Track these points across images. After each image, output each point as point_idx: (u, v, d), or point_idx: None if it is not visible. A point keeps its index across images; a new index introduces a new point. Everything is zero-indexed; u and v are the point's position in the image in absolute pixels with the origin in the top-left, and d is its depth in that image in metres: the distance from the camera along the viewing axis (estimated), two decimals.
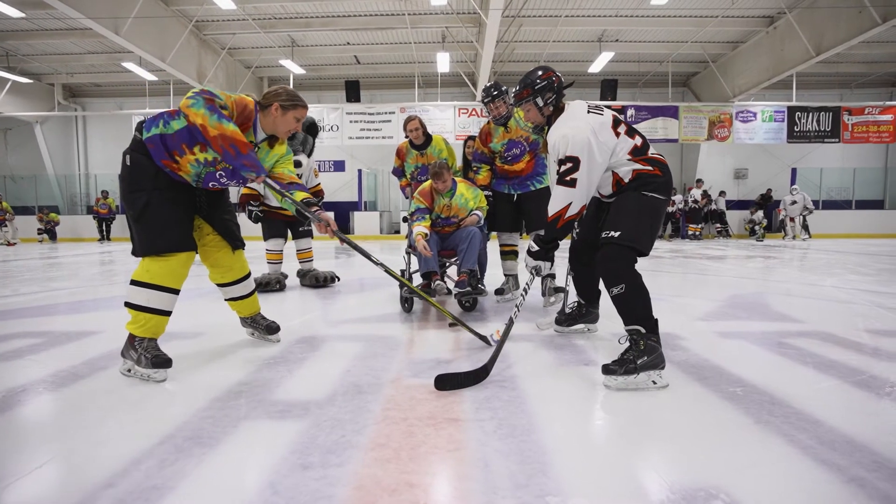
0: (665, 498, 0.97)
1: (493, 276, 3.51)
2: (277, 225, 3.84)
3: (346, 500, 0.97)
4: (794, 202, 11.58)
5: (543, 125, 1.96)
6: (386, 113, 12.19)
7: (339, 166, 13.91)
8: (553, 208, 1.81)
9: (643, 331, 1.64)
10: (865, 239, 11.71)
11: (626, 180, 1.81)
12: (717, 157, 14.40)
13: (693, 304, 3.22)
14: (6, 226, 11.79)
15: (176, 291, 1.79)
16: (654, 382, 1.59)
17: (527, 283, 2.03)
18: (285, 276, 3.91)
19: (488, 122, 3.13)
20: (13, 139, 14.43)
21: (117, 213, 12.63)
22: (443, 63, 11.34)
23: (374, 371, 1.79)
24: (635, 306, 1.67)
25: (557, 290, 2.98)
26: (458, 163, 3.72)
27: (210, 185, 1.85)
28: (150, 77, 12.05)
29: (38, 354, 2.06)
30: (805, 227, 11.75)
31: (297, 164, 3.76)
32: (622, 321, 1.70)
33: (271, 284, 3.74)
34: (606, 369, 1.61)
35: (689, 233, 11.93)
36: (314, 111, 12.24)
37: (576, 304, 2.30)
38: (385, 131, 12.13)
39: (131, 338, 1.73)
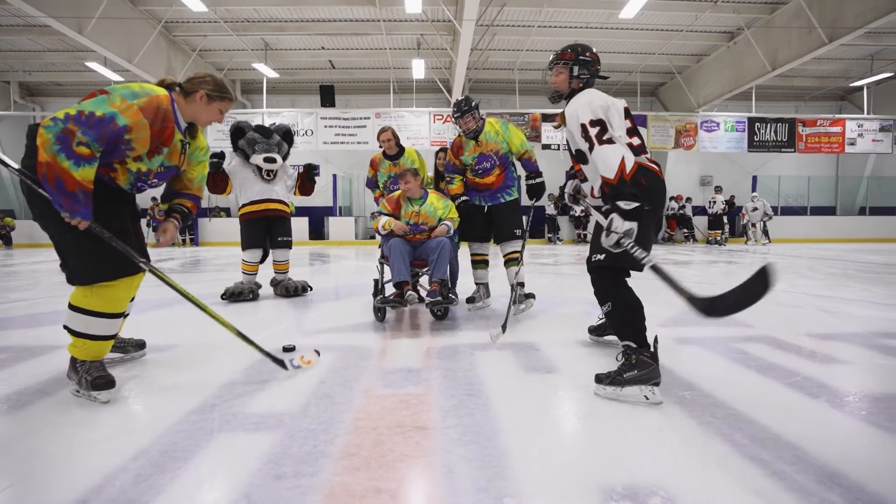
0: (608, 496, 1.07)
1: (465, 283, 3.61)
2: (256, 232, 3.82)
3: None
4: (755, 209, 12.19)
5: (563, 95, 1.92)
6: (361, 118, 12.19)
7: None
8: (610, 170, 1.62)
9: (634, 346, 1.69)
10: (819, 243, 12.40)
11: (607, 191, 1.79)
12: (684, 164, 15.00)
13: (656, 310, 3.32)
14: None
15: (120, 315, 1.71)
16: (647, 398, 1.61)
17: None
18: (259, 286, 3.90)
19: (460, 136, 3.23)
20: None
21: None
22: (418, 69, 11.46)
23: (346, 381, 1.85)
24: (623, 323, 1.73)
25: (528, 296, 3.09)
26: (430, 173, 3.81)
27: (139, 185, 1.73)
28: (115, 77, 11.69)
29: (2, 371, 2.02)
30: (765, 233, 12.37)
31: (272, 161, 3.77)
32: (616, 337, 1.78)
33: (244, 294, 3.73)
34: (597, 378, 1.68)
35: (709, 238, 12.32)
36: (288, 116, 12.15)
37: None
38: (360, 136, 12.13)
39: (72, 360, 1.68)
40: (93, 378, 1.63)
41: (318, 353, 2.06)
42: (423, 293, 3.02)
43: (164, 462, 1.22)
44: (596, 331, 2.44)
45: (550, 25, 10.56)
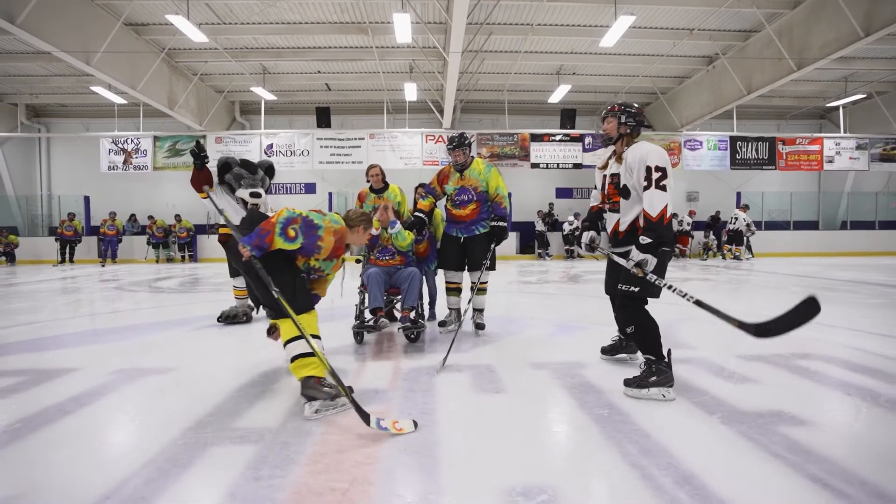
0: (508, 494, 1.39)
1: (444, 304, 3.93)
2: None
3: (284, 500, 1.36)
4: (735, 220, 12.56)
5: (613, 139, 2.39)
6: (356, 139, 12.62)
7: (310, 189, 14.20)
8: (655, 209, 2.16)
9: (654, 358, 2.21)
10: (801, 257, 12.75)
11: (642, 224, 2.22)
12: (671, 180, 15.40)
13: (609, 332, 3.70)
14: None
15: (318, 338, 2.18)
16: (664, 396, 2.13)
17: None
18: (252, 309, 4.23)
19: (450, 165, 3.62)
20: None
21: (83, 235, 12.56)
22: (410, 92, 11.90)
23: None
24: (645, 341, 2.26)
25: (478, 326, 3.54)
26: (410, 206, 4.17)
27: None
28: (118, 100, 12.13)
29: (24, 393, 2.34)
30: (748, 248, 12.74)
31: (257, 196, 4.12)
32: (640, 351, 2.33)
33: (238, 317, 4.05)
34: (626, 382, 2.20)
35: (730, 254, 12.50)
36: (285, 136, 12.57)
37: (618, 337, 2.84)
38: (355, 156, 12.54)
39: (317, 380, 2.05)
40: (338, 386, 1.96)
41: (415, 423, 1.86)
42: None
43: (168, 468, 1.54)
44: (609, 351, 2.83)
45: (536, 51, 11.04)
